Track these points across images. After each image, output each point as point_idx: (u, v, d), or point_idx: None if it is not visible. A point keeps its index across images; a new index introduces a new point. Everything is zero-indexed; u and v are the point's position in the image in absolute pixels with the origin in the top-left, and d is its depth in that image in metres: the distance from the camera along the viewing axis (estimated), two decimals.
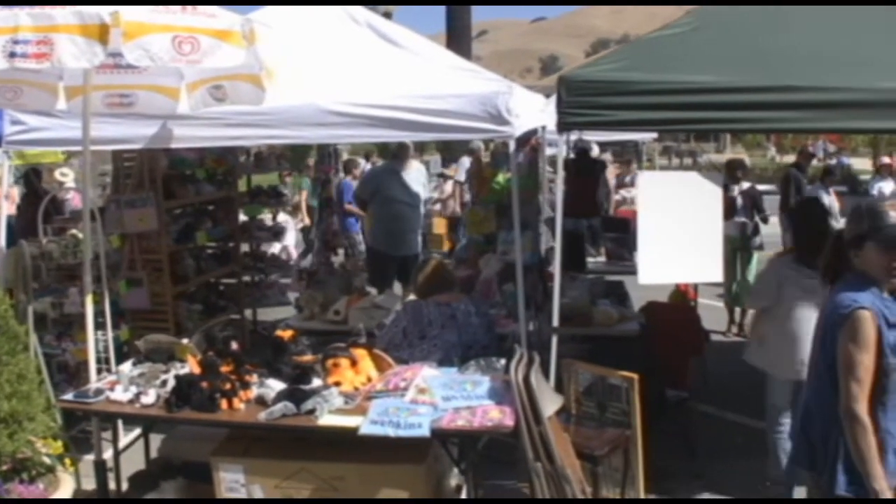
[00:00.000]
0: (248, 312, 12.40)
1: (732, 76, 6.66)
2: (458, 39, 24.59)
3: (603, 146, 19.16)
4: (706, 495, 7.97)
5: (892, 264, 4.82)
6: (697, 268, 7.25)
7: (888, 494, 4.68)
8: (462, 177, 19.93)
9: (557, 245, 7.38)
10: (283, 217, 16.52)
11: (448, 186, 20.39)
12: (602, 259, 12.89)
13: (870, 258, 4.87)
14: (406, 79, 7.63)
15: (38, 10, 5.61)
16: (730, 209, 13.46)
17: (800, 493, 7.11)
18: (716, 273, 7.25)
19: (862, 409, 4.68)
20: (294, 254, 16.67)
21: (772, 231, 15.54)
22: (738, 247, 13.45)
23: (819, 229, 7.38)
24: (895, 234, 4.81)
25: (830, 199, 16.20)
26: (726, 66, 6.81)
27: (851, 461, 4.78)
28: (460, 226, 19.41)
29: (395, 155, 13.05)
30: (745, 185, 14.21)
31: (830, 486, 4.92)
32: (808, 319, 6.68)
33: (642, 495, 7.17)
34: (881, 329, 4.74)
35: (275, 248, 15.56)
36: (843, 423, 4.75)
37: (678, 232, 7.00)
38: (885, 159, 20.81)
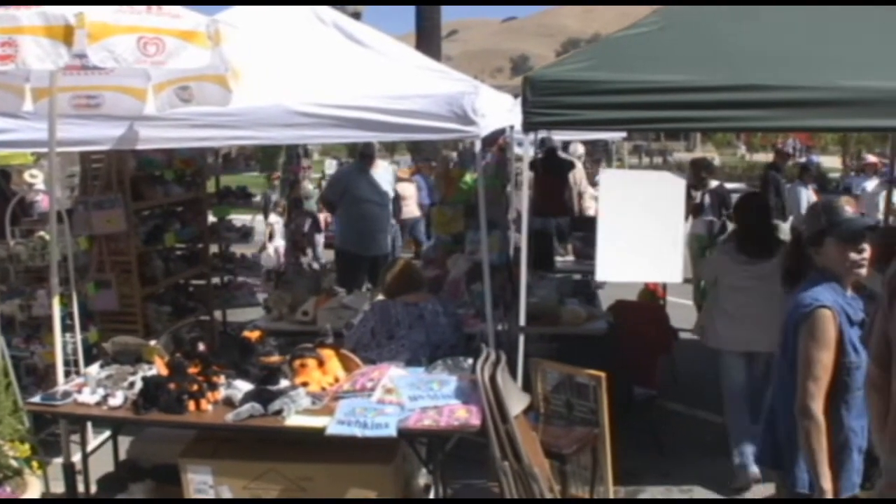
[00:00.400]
0: (217, 314, 12.40)
1: (699, 75, 6.70)
2: (428, 39, 24.55)
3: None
4: (675, 493, 8.00)
5: (851, 258, 4.91)
6: (656, 267, 7.32)
7: (830, 496, 4.73)
8: None
9: (523, 244, 7.41)
10: (273, 218, 16.46)
11: (398, 189, 20.44)
12: (570, 258, 12.93)
13: (830, 254, 4.97)
14: (373, 79, 7.64)
15: (2, 10, 5.60)
16: (698, 208, 13.56)
17: (764, 490, 7.20)
18: (675, 273, 7.34)
19: (817, 407, 4.74)
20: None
21: None
22: (705, 245, 13.52)
23: (751, 222, 8.29)
24: (853, 227, 4.93)
25: (809, 195, 16.27)
26: (693, 65, 6.85)
27: None
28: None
29: (362, 154, 13.04)
30: (714, 183, 14.28)
31: (793, 484, 5.01)
32: (746, 299, 7.92)
33: (611, 494, 7.21)
34: (842, 327, 4.80)
35: (269, 249, 15.51)
36: (798, 420, 4.81)
37: (638, 230, 7.05)
38: (871, 158, 20.77)
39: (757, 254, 7.91)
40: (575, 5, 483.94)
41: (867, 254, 4.95)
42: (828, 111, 6.61)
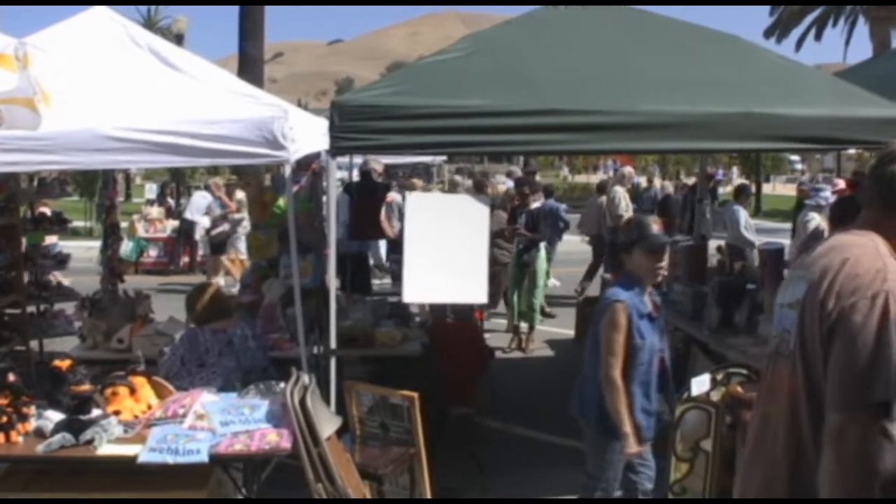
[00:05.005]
0: (34, 343, 12.10)
1: (502, 100, 6.90)
2: (251, 62, 24.39)
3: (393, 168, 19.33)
4: None
5: (653, 266, 6.10)
6: (462, 289, 7.46)
7: (633, 436, 6.11)
8: None
9: (332, 267, 7.48)
10: None
11: None
12: (387, 281, 13.06)
13: (637, 261, 6.15)
14: (185, 104, 7.58)
15: None
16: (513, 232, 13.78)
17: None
18: (480, 294, 7.51)
19: (617, 374, 6.10)
20: None
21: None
22: (516, 265, 13.72)
23: None
24: (657, 241, 6.07)
25: (745, 215, 16.57)
26: (497, 90, 7.05)
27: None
28: None
29: None
30: (535, 204, 14.56)
31: (600, 425, 6.34)
32: None
33: None
34: (632, 318, 6.04)
35: None
36: (603, 384, 6.15)
37: (444, 252, 7.20)
38: (840, 183, 21.00)
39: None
40: (400, 28, 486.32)
41: (666, 263, 6.15)
42: (627, 134, 6.96)
